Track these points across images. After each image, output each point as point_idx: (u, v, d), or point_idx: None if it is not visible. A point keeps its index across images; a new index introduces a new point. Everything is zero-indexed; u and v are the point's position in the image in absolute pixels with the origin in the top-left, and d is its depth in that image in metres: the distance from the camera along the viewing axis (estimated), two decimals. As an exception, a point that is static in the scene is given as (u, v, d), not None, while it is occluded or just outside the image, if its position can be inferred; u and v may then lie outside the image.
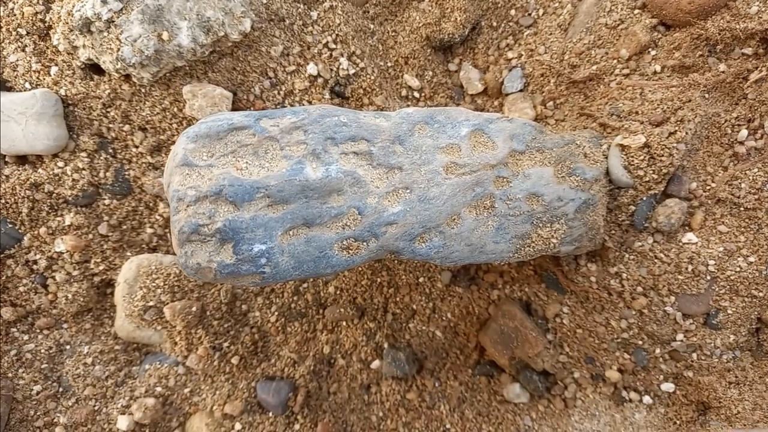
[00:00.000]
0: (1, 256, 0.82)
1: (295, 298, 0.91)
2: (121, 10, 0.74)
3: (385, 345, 0.92)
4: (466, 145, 0.66)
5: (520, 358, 0.88)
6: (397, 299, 0.93)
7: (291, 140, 0.55)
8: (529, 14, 0.91)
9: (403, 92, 0.94)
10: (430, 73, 0.94)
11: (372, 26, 0.90)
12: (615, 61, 0.85)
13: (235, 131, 0.54)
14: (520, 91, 0.91)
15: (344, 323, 0.92)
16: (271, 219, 0.53)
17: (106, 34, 0.75)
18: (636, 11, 0.84)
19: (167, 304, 0.83)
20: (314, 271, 0.56)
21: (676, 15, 0.79)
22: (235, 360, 0.87)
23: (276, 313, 0.89)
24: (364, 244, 0.59)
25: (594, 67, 0.86)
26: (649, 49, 0.83)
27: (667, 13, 0.80)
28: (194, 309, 0.84)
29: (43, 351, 0.84)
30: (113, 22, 0.74)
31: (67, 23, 0.77)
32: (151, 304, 0.83)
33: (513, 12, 0.92)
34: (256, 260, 0.53)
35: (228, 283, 0.54)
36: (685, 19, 0.79)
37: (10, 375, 0.82)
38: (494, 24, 0.92)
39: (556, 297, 0.88)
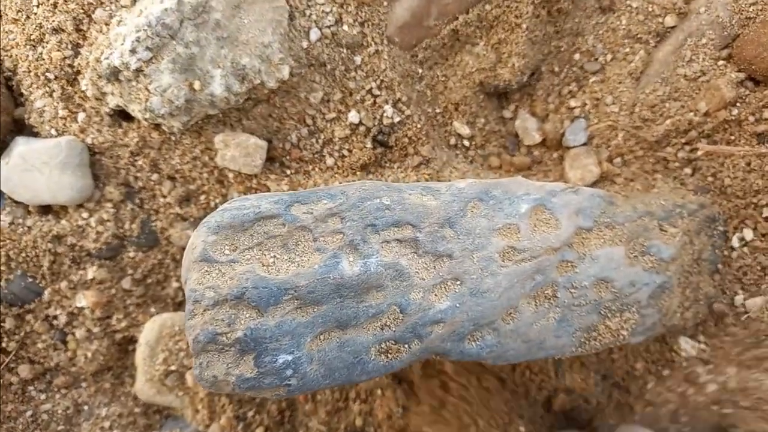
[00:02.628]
0: (21, 311, 0.78)
1: (327, 361, 0.84)
2: (151, 59, 0.68)
3: (423, 418, 0.84)
4: (526, 224, 0.57)
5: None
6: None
7: (326, 230, 0.48)
8: (596, 59, 0.82)
9: (452, 140, 0.86)
10: (482, 120, 0.85)
11: (420, 71, 0.83)
12: (692, 114, 0.75)
13: (263, 221, 0.47)
14: (584, 144, 0.82)
15: (378, 391, 0.84)
16: (299, 324, 0.46)
17: (134, 83, 0.70)
18: (720, 63, 0.74)
19: (190, 369, 0.77)
20: (347, 379, 0.49)
21: (769, 71, 0.69)
22: (260, 431, 0.80)
23: (306, 380, 0.82)
24: (406, 346, 0.51)
25: (668, 122, 0.76)
26: (733, 107, 0.72)
27: (757, 69, 0.70)
28: (218, 374, 0.78)
29: (60, 412, 0.80)
30: (142, 71, 0.69)
31: (95, 69, 0.72)
32: (173, 368, 0.77)
33: (577, 56, 0.82)
34: (280, 372, 0.46)
35: (247, 395, 0.47)
36: (780, 76, 0.68)
37: (24, 439, 0.77)
38: (556, 69, 0.83)
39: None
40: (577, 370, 0.80)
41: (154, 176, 0.79)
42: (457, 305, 0.52)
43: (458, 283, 0.53)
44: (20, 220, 0.77)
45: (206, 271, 0.45)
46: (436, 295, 0.52)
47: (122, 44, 0.69)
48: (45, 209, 0.78)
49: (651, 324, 0.64)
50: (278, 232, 0.47)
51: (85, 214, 0.78)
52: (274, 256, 0.47)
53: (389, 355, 0.50)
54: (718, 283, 0.74)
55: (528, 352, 0.57)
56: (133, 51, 0.68)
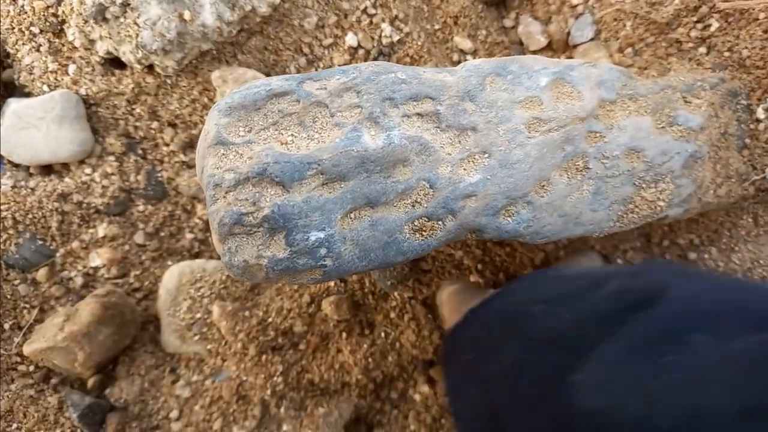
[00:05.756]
0: (34, 275, 0.75)
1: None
2: (136, -11, 0.66)
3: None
4: (548, 96, 0.54)
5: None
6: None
7: (342, 104, 0.46)
8: (593, -50, 0.79)
9: (455, 57, 0.83)
10: (484, 32, 0.82)
11: (414, -15, 0.80)
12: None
13: (275, 98, 0.44)
14: (591, 40, 0.79)
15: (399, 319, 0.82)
16: (327, 200, 0.43)
17: (122, 19, 0.67)
18: (726, -74, 0.71)
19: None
20: (383, 260, 0.46)
21: None
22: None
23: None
24: (440, 223, 0.48)
25: (677, 1, 0.73)
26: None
27: None
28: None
29: (88, 376, 0.77)
30: (129, 5, 0.66)
31: (81, 14, 0.69)
32: (198, 316, 0.75)
33: (574, -50, 0.80)
34: (314, 251, 0.43)
35: (283, 282, 0.45)
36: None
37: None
38: (553, -33, 0.81)
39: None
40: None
41: (154, 124, 0.77)
42: (488, 177, 0.49)
43: (486, 155, 0.50)
44: (22, 183, 0.74)
45: (223, 154, 0.43)
46: (464, 168, 0.49)
47: (105, -22, 0.66)
48: (46, 169, 0.76)
49: (687, 196, 0.62)
50: (293, 109, 0.44)
51: (88, 170, 0.75)
52: (292, 134, 0.44)
53: (423, 233, 0.48)
54: (747, 159, 0.71)
55: (565, 228, 0.55)
56: (117, -18, 0.65)
